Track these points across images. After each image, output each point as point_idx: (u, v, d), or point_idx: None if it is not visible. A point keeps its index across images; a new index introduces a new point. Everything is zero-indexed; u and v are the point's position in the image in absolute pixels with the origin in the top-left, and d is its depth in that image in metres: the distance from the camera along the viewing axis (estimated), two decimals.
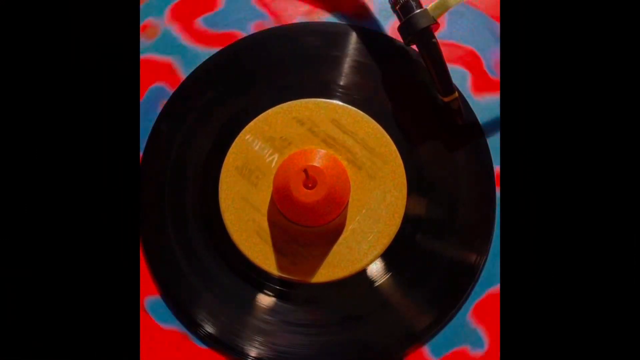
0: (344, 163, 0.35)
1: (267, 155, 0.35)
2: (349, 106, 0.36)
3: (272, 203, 0.35)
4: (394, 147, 0.35)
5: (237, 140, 0.36)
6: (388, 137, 0.35)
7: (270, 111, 0.36)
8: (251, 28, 0.37)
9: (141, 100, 0.37)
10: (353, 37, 0.37)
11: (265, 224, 0.35)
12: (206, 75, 0.37)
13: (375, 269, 0.35)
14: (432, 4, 0.34)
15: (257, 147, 0.35)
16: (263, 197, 0.35)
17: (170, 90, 0.37)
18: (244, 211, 0.35)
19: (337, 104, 0.36)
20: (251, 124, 0.36)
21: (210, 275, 0.36)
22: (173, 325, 0.36)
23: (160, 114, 0.37)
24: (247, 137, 0.35)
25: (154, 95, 0.37)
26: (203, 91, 0.37)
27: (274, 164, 0.35)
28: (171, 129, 0.37)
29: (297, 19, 0.38)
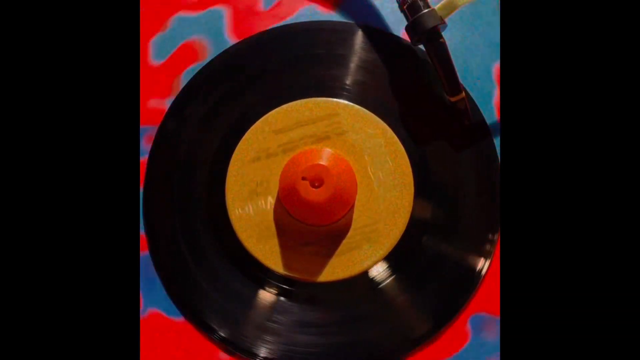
0: (351, 163, 0.35)
1: (274, 154, 0.35)
2: (355, 105, 0.36)
3: (278, 202, 0.35)
4: (401, 146, 0.35)
5: (243, 139, 0.36)
6: (395, 136, 0.35)
7: (285, 106, 0.36)
8: None
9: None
10: (360, 36, 0.37)
11: (270, 220, 0.35)
12: (213, 74, 0.37)
13: (379, 271, 0.35)
14: (440, 3, 0.34)
15: (263, 145, 0.35)
16: (270, 192, 0.35)
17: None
18: (250, 209, 0.35)
19: (344, 103, 0.36)
20: (266, 115, 0.36)
21: (215, 271, 0.36)
22: (178, 320, 0.36)
23: (168, 112, 0.37)
24: (253, 135, 0.36)
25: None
26: (210, 90, 0.37)
27: (280, 164, 0.35)
28: (178, 127, 0.37)
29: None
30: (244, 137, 0.36)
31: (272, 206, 0.35)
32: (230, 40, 0.37)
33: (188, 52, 0.37)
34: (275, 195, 0.35)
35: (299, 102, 0.36)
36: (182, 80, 0.37)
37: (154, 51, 0.37)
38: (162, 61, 0.37)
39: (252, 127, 0.36)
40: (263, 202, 0.35)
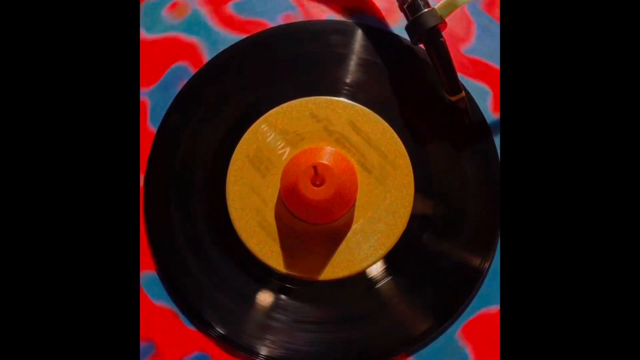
0: (351, 162, 0.35)
1: (279, 148, 0.35)
2: (356, 104, 0.36)
3: (280, 199, 0.35)
4: (401, 145, 0.35)
5: (250, 129, 0.36)
6: (395, 135, 0.35)
7: (285, 105, 0.36)
8: (279, 19, 0.38)
9: (162, 78, 0.37)
10: (360, 35, 0.37)
11: (271, 218, 0.35)
12: (212, 73, 0.37)
13: (378, 271, 0.35)
14: (440, 3, 0.34)
15: (271, 138, 0.35)
16: (271, 191, 0.35)
17: (191, 71, 0.37)
18: (250, 201, 0.35)
19: (344, 102, 0.36)
20: (266, 115, 0.36)
21: (216, 270, 0.36)
22: (178, 318, 0.36)
23: (177, 97, 0.37)
24: (262, 127, 0.35)
25: (176, 75, 0.37)
26: (210, 89, 0.37)
27: (285, 157, 0.35)
28: (185, 115, 0.37)
29: (327, 15, 0.38)
30: (244, 137, 0.36)
31: (274, 202, 0.35)
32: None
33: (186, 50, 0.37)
34: (277, 190, 0.35)
35: (299, 100, 0.36)
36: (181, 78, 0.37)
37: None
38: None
39: (252, 126, 0.36)
40: (265, 195, 0.35)
